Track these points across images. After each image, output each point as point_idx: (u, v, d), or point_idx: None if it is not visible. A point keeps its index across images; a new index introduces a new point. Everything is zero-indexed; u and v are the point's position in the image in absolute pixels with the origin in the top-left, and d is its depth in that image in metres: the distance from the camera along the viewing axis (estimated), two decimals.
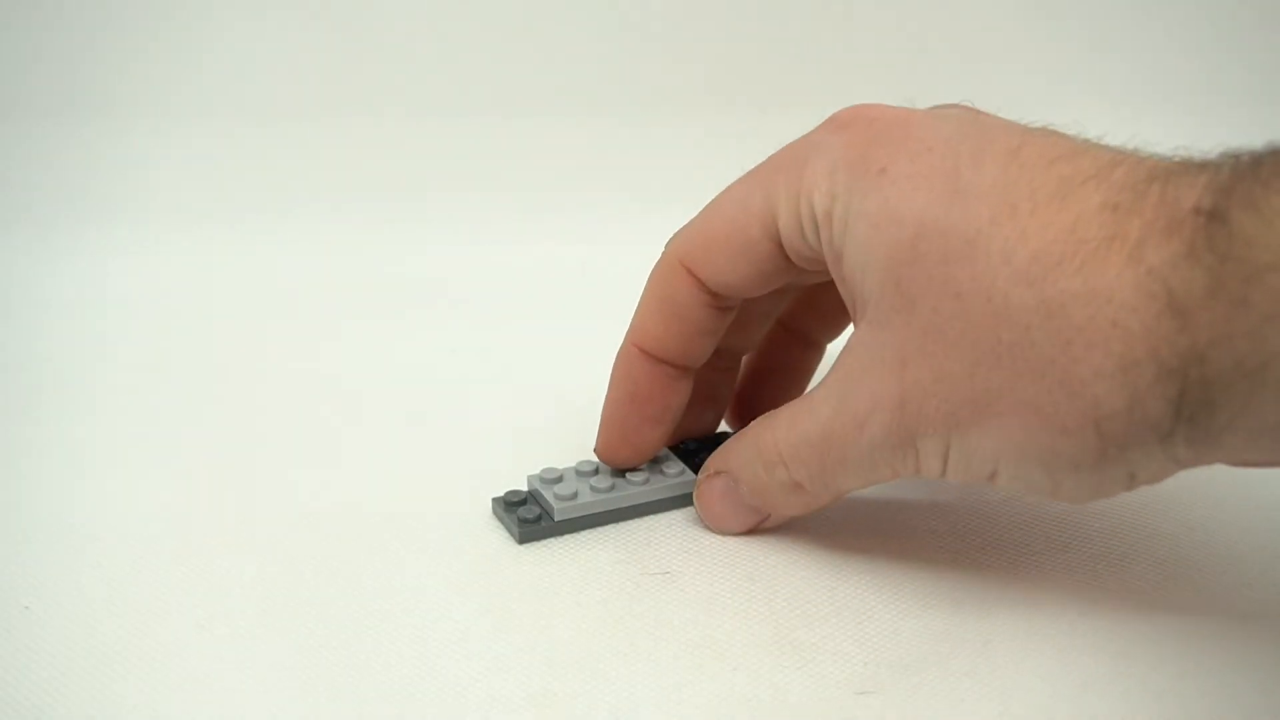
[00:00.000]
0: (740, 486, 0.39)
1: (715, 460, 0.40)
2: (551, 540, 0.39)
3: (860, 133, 0.35)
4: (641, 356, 0.40)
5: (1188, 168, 0.31)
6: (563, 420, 0.45)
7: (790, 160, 0.37)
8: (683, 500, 0.41)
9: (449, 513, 0.41)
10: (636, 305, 0.40)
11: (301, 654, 0.34)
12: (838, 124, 0.36)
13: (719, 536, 0.40)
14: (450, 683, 0.33)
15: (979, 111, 0.36)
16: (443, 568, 0.38)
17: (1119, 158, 0.32)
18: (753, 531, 0.40)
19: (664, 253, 0.39)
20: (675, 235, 0.39)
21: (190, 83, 0.65)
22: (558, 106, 0.67)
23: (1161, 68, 0.70)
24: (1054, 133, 0.34)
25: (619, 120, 0.67)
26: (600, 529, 0.40)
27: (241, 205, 0.64)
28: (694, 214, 0.39)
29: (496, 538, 0.40)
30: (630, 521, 0.40)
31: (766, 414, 0.38)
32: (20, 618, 0.36)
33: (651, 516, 0.41)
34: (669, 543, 0.39)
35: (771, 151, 0.38)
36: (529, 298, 0.60)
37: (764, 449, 0.37)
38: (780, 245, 0.37)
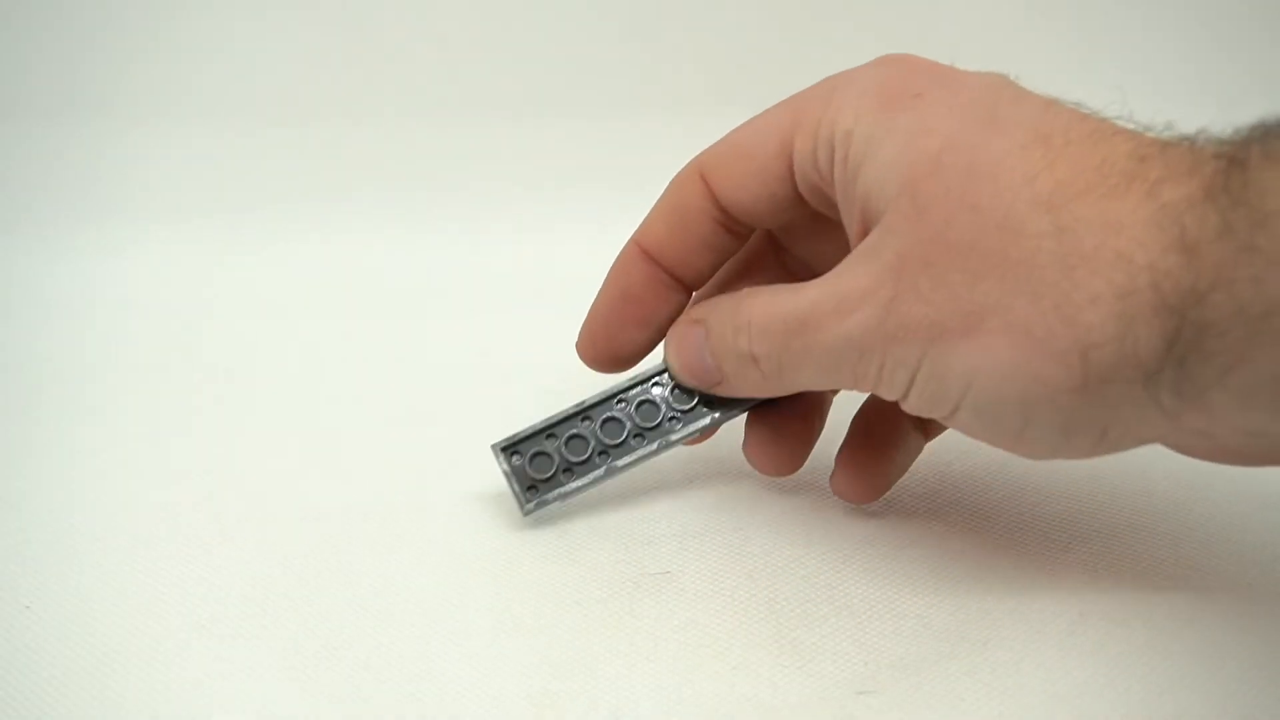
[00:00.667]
0: (708, 340, 0.38)
1: (699, 308, 0.39)
2: (550, 540, 0.39)
3: (898, 67, 0.36)
4: (641, 257, 0.40)
5: (1215, 134, 0.31)
6: None
7: (823, 88, 0.37)
8: (664, 445, 0.40)
9: (449, 513, 0.41)
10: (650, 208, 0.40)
11: (301, 654, 0.34)
12: (876, 62, 0.37)
13: (719, 535, 0.40)
14: (450, 683, 0.33)
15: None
16: (442, 568, 0.38)
17: (1145, 126, 0.33)
18: (706, 384, 0.39)
19: (689, 162, 0.39)
20: (706, 149, 0.39)
21: (190, 83, 0.65)
22: (557, 107, 0.67)
23: (1168, 64, 0.71)
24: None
25: (618, 120, 0.67)
26: (600, 526, 0.40)
27: (241, 205, 0.64)
28: None
29: (497, 538, 0.40)
30: (628, 521, 0.40)
31: (760, 287, 0.38)
32: (20, 618, 0.36)
33: (647, 509, 0.41)
34: (669, 542, 0.39)
35: None
36: (529, 297, 0.60)
37: (739, 312, 0.37)
38: (791, 168, 0.37)
